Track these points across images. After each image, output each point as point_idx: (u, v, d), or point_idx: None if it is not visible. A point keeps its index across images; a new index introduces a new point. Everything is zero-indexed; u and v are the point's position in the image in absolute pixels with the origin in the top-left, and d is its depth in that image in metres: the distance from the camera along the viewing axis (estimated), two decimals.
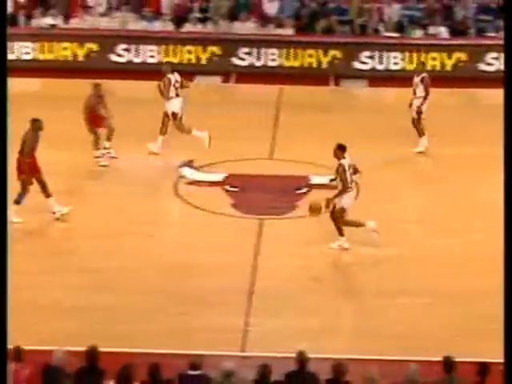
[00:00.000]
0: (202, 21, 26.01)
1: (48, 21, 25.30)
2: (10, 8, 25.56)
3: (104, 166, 18.63)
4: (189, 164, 18.63)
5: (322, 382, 10.19)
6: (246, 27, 25.71)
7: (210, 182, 17.97)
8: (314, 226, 16.13)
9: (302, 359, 10.34)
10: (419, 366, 10.17)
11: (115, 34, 25.32)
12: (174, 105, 19.39)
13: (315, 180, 17.95)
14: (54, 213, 16.22)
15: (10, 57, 24.22)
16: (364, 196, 16.12)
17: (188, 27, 25.81)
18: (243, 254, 15.24)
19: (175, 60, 24.84)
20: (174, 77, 19.56)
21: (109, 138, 18.94)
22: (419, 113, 19.13)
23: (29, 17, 25.49)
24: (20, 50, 24.47)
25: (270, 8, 26.22)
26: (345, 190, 15.03)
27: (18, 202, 15.97)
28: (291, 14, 26.05)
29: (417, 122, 19.22)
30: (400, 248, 15.41)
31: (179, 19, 25.93)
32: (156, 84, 19.60)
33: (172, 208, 16.89)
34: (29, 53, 24.61)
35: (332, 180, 15.53)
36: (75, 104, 19.17)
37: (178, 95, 19.42)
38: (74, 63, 24.58)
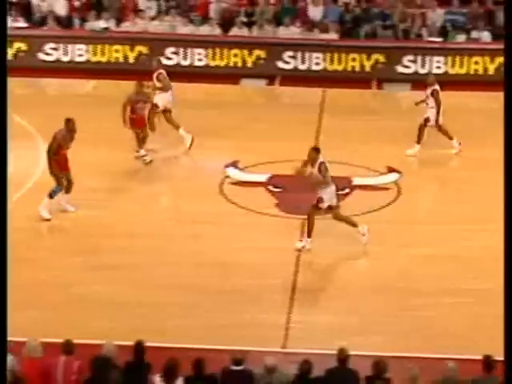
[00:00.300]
0: (248, 25, 26.03)
1: (101, 24, 25.47)
2: (65, 11, 25.84)
3: (147, 163, 18.62)
4: (234, 164, 18.64)
5: (362, 378, 10.15)
6: (291, 31, 25.68)
7: (254, 182, 17.96)
8: None
9: (342, 356, 10.30)
10: (458, 365, 10.09)
11: (164, 37, 25.43)
12: (167, 98, 19.50)
13: (357, 181, 17.90)
14: (62, 205, 16.34)
15: (65, 58, 24.51)
16: (407, 197, 16.02)
17: (234, 31, 25.84)
18: (286, 252, 15.20)
19: (222, 63, 24.92)
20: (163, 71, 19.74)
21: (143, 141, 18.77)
22: (437, 123, 19.11)
23: (83, 20, 25.69)
24: (74, 52, 24.66)
25: (315, 13, 26.17)
26: (325, 186, 15.09)
27: (51, 196, 16.11)
28: (335, 18, 25.99)
29: (442, 130, 19.19)
30: (438, 248, 15.31)
31: (226, 23, 25.97)
32: (137, 82, 19.27)
33: (217, 207, 16.88)
34: (82, 55, 24.79)
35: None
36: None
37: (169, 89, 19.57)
38: (124, 65, 24.71)
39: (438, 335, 12.76)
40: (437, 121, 19.00)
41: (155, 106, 19.31)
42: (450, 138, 19.20)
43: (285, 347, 12.58)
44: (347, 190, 17.58)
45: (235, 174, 18.33)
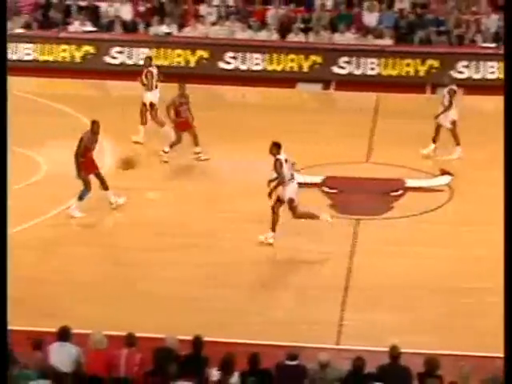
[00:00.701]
0: (305, 31, 25.97)
1: (164, 29, 25.61)
2: (130, 16, 26.02)
3: (165, 161, 18.59)
4: None
5: (414, 375, 10.04)
6: (347, 37, 25.57)
7: (309, 183, 17.85)
8: (407, 226, 15.99)
9: (394, 353, 10.19)
10: None
11: (224, 42, 25.48)
12: (155, 96, 19.62)
13: (410, 183, 17.75)
14: (111, 203, 16.33)
15: (129, 62, 24.66)
16: (459, 199, 15.84)
17: (291, 37, 25.80)
18: (340, 252, 15.12)
19: (278, 68, 24.89)
20: (155, 70, 19.87)
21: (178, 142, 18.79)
22: (453, 123, 18.88)
23: (147, 25, 25.86)
24: (138, 56, 24.81)
25: (370, 19, 26.03)
26: (282, 182, 15.05)
27: (80, 198, 16.11)
28: (390, 25, 25.82)
29: (452, 131, 18.95)
30: (490, 249, 15.10)
31: (283, 29, 25.95)
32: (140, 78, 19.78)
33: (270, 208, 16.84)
34: None
35: (271, 181, 15.42)
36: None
37: (157, 87, 19.66)
38: (185, 69, 24.79)
39: (489, 334, 12.56)
40: (453, 121, 18.79)
41: (151, 104, 19.54)
42: (457, 144, 18.91)
43: (338, 344, 12.50)
44: (400, 192, 17.45)
45: None
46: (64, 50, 24.70)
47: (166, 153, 18.69)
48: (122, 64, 24.66)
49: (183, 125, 18.68)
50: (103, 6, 26.24)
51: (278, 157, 15.25)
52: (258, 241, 15.25)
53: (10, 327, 10.27)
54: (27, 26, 25.42)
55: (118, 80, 22.68)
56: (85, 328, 10.91)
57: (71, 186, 16.77)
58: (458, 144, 19.02)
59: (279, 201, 15.23)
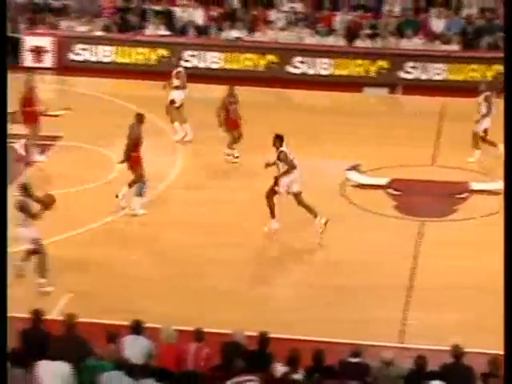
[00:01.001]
0: (372, 37, 25.80)
1: (234, 34, 25.67)
2: (203, 20, 26.15)
3: (234, 162, 18.62)
4: (355, 168, 18.45)
5: (478, 375, 9.87)
6: (414, 43, 25.32)
7: (374, 185, 17.74)
8: (472, 228, 15.79)
9: (457, 352, 10.06)
10: None
11: (292, 47, 25.42)
12: (179, 94, 19.65)
13: (475, 186, 17.50)
14: (117, 197, 16.20)
15: (201, 65, 24.77)
16: None
17: (358, 42, 25.65)
18: (404, 252, 14.98)
19: (345, 72, 24.77)
20: (182, 70, 20.02)
21: (235, 141, 18.76)
22: (485, 131, 18.62)
23: (219, 29, 25.96)
24: (210, 60, 24.92)
25: (438, 25, 25.74)
26: (290, 170, 15.22)
27: (139, 194, 16.12)
28: (458, 30, 25.50)
29: (482, 138, 18.68)
30: None
31: (351, 35, 25.80)
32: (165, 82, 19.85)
33: (337, 208, 16.74)
34: (217, 62, 25.01)
35: (268, 165, 15.59)
36: (255, 109, 19.32)
37: (184, 87, 19.75)
38: (255, 73, 24.81)
39: None
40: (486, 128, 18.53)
41: (172, 101, 19.59)
42: (493, 145, 18.43)
43: (401, 342, 12.37)
44: (465, 195, 17.22)
45: (356, 177, 18.13)
46: (140, 53, 24.91)
47: (229, 155, 18.74)
48: (194, 67, 24.76)
49: (232, 124, 18.69)
50: (177, 10, 26.41)
51: (282, 149, 15.40)
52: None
53: (85, 320, 10.43)
54: (107, 29, 25.71)
55: (190, 82, 22.66)
56: (156, 322, 10.96)
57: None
58: (477, 148, 18.69)
59: (274, 191, 15.40)
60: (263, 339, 10.40)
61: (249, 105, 19.49)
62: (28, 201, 13.28)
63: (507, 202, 9.85)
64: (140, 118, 16.32)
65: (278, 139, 15.56)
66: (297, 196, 15.41)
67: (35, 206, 13.30)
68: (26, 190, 13.36)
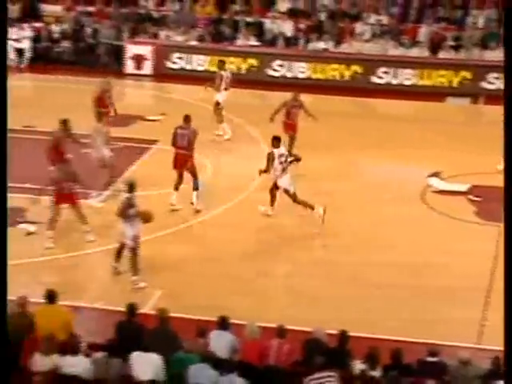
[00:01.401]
0: (456, 48, 25.46)
1: (321, 45, 25.66)
2: (292, 32, 26.21)
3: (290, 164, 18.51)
4: (436, 175, 18.23)
5: None
6: (497, 54, 24.86)
7: (455, 191, 17.49)
8: None
9: None
10: None
11: (377, 58, 25.27)
12: (222, 96, 19.80)
13: None
14: (172, 204, 16.20)
15: (289, 74, 24.80)
16: None
17: (442, 54, 25.34)
18: (483, 256, 14.73)
19: (429, 83, 24.52)
20: (226, 73, 20.01)
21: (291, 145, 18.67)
22: None
23: (307, 40, 25.97)
24: (297, 69, 24.94)
25: None
26: (268, 170, 15.56)
27: (196, 188, 16.23)
28: None
29: None
30: None
31: (434, 46, 25.53)
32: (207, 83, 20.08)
33: (417, 212, 16.56)
34: (304, 72, 25.02)
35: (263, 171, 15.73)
36: (340, 117, 19.20)
37: (226, 89, 19.80)
38: (340, 82, 24.74)
39: None
40: None
41: (217, 102, 19.86)
42: None
43: (478, 343, 12.16)
44: None
45: (437, 183, 17.91)
46: (232, 62, 25.10)
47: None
48: (282, 77, 24.83)
49: (290, 127, 18.55)
50: (268, 22, 26.52)
51: (273, 150, 15.57)
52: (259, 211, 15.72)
53: (175, 315, 10.54)
54: (201, 39, 25.99)
55: (278, 91, 22.78)
56: (240, 319, 11.01)
57: (234, 188, 17.08)
58: None
59: (276, 187, 15.71)
60: (343, 337, 10.36)
61: (334, 113, 19.47)
62: (134, 198, 13.52)
63: (507, 205, 9.56)
64: (188, 119, 16.46)
65: (275, 140, 15.73)
66: (291, 195, 15.69)
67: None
68: (131, 187, 13.58)
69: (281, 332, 10.50)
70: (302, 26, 26.49)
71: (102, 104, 18.59)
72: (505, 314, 9.18)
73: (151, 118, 21.14)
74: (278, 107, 18.66)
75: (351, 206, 16.84)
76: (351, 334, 10.46)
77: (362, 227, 15.91)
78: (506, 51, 10.70)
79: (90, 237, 14.99)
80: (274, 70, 24.87)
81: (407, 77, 24.74)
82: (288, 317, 12.12)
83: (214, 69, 24.96)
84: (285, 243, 15.36)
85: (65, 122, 16.34)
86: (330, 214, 15.80)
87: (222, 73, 20.12)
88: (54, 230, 14.81)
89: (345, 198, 17.16)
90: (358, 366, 10.04)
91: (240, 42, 25.91)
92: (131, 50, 25.11)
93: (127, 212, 13.38)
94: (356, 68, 24.79)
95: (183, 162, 16.20)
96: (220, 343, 10.29)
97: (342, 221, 16.05)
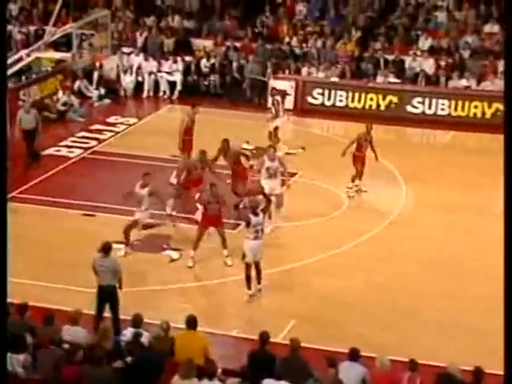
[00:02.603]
0: None
1: (463, 82, 25.29)
2: (433, 70, 25.94)
3: (351, 196, 18.52)
4: None
5: None
6: None
7: None
8: None
9: None
10: None
11: None
12: (281, 121, 20.60)
13: None
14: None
15: (429, 111, 24.54)
16: None
17: None
18: None
19: None
20: (280, 99, 20.76)
21: (357, 177, 18.70)
22: None
23: (448, 78, 25.64)
24: (438, 106, 24.63)
25: None
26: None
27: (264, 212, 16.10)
28: None
29: None
30: None
31: None
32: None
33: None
34: (444, 109, 24.68)
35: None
36: (480, 154, 18.69)
37: (283, 115, 20.84)
38: (481, 120, 24.26)
39: None
40: None
41: (276, 127, 20.43)
42: None
43: None
44: None
45: None
46: (371, 99, 25.07)
47: (350, 188, 18.76)
48: (421, 113, 24.58)
49: (359, 159, 18.54)
50: (408, 59, 26.36)
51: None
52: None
53: (306, 345, 10.55)
54: (342, 76, 26.10)
55: (418, 128, 22.57)
56: (371, 351, 10.94)
57: (366, 220, 17.04)
58: None
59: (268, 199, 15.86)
60: (477, 374, 10.09)
61: (473, 150, 19.06)
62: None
63: (507, 207, 8.98)
64: (247, 157, 17.24)
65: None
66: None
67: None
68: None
69: (413, 365, 10.36)
70: (443, 63, 26.17)
71: (188, 133, 18.96)
72: (505, 316, 8.75)
73: (291, 151, 21.35)
74: (351, 141, 18.73)
75: (460, 235, 16.58)
76: (487, 371, 10.17)
77: (459, 248, 15.81)
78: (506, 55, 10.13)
79: (228, 261, 15.26)
80: (414, 107, 24.64)
81: None
82: (420, 349, 11.95)
83: (354, 105, 25.16)
84: (418, 275, 15.17)
85: (203, 153, 16.83)
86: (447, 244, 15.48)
87: (277, 98, 21.22)
88: (195, 251, 15.17)
89: (450, 227, 16.79)
90: None
91: (380, 79, 25.85)
92: (274, 85, 25.49)
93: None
94: (498, 106, 24.23)
95: None
96: (350, 374, 10.23)
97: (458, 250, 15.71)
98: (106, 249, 12.61)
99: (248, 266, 14.08)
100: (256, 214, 14.05)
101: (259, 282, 14.32)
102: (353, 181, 18.75)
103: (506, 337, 8.81)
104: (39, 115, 20.22)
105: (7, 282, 9.33)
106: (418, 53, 26.45)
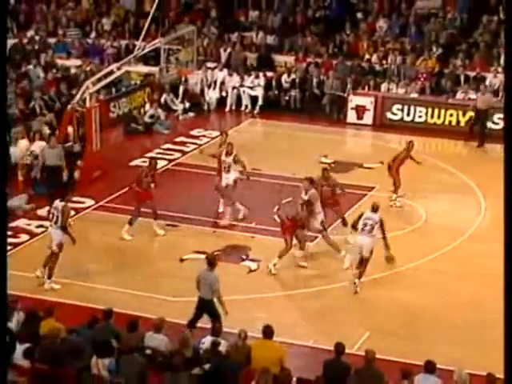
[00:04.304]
0: None
1: None
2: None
3: (398, 206, 18.63)
4: None
5: None
6: None
7: None
8: None
9: None
10: None
11: None
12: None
13: None
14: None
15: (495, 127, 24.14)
16: None
17: None
18: None
19: None
20: None
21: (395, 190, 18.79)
22: None
23: None
24: None
25: None
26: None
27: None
28: None
29: None
30: None
31: None
32: None
33: None
34: None
35: None
36: None
37: None
38: None
39: None
40: None
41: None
42: None
43: None
44: None
45: None
46: (451, 115, 24.80)
47: (393, 200, 18.74)
48: (502, 129, 24.15)
49: (394, 173, 18.71)
50: (489, 76, 25.96)
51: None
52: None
53: (381, 356, 10.47)
54: (422, 92, 25.90)
55: (496, 143, 22.17)
56: (447, 365, 10.82)
57: (444, 236, 16.87)
58: None
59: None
60: (491, 379, 10.00)
61: None
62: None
63: (507, 209, 8.59)
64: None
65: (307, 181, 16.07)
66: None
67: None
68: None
69: (490, 379, 10.20)
70: None
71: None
72: (505, 316, 8.40)
73: (369, 165, 21.27)
74: (394, 159, 18.81)
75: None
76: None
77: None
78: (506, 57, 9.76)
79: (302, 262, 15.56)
80: (494, 123, 24.25)
81: None
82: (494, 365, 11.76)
83: (433, 120, 24.91)
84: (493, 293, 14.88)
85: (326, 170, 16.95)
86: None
87: None
88: (303, 250, 15.81)
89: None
90: None
91: (460, 95, 25.53)
92: (354, 100, 25.43)
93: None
94: None
95: None
96: None
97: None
98: (210, 262, 12.79)
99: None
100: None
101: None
102: (394, 192, 18.86)
103: (506, 336, 8.59)
104: (64, 151, 18.61)
105: (7, 280, 9.19)
106: (500, 70, 26.02)
